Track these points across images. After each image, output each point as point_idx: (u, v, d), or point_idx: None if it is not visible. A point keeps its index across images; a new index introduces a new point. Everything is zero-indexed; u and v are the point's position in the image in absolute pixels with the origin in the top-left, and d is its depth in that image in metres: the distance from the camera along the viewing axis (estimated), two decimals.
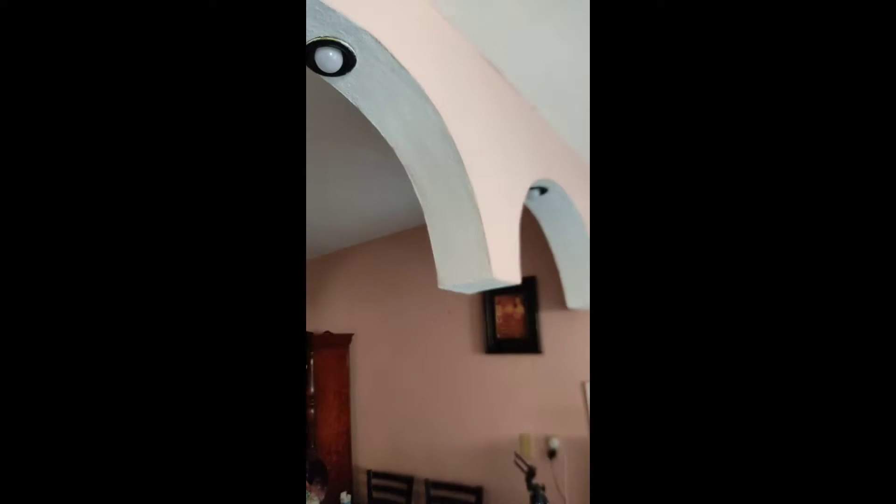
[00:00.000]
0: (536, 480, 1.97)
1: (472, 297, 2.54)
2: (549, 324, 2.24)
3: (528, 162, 1.29)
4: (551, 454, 2.09)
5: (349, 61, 0.83)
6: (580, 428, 2.06)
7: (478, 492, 2.24)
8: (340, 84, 0.91)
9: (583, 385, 2.08)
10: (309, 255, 3.50)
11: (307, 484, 1.87)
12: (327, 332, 3.06)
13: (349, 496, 2.37)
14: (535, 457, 2.15)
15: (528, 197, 1.54)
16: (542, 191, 1.53)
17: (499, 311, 2.41)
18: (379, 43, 0.79)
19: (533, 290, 2.28)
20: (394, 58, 0.82)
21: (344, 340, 3.07)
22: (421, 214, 2.53)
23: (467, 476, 2.39)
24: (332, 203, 2.33)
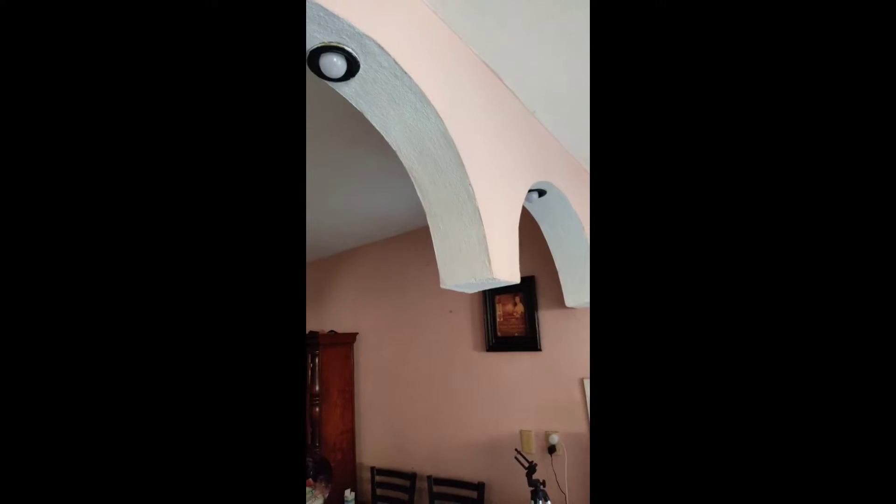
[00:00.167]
0: (537, 476, 2.00)
1: (473, 296, 2.57)
2: (548, 322, 2.26)
3: (527, 165, 1.31)
4: (551, 450, 2.11)
5: (353, 67, 0.85)
6: (579, 424, 2.08)
7: (480, 488, 2.26)
8: (344, 89, 0.93)
9: (581, 381, 2.10)
10: (314, 256, 3.52)
11: (312, 481, 1.90)
12: (332, 331, 3.08)
13: (353, 493, 2.40)
14: (535, 452, 2.18)
15: (527, 199, 1.56)
16: (541, 193, 1.55)
17: (499, 310, 2.43)
18: (382, 49, 0.81)
19: (532, 290, 2.31)
20: (396, 63, 0.85)
21: (348, 339, 3.09)
22: (423, 216, 2.56)
23: (469, 472, 2.41)
24: (336, 205, 2.35)
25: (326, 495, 1.93)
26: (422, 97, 0.91)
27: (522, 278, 2.27)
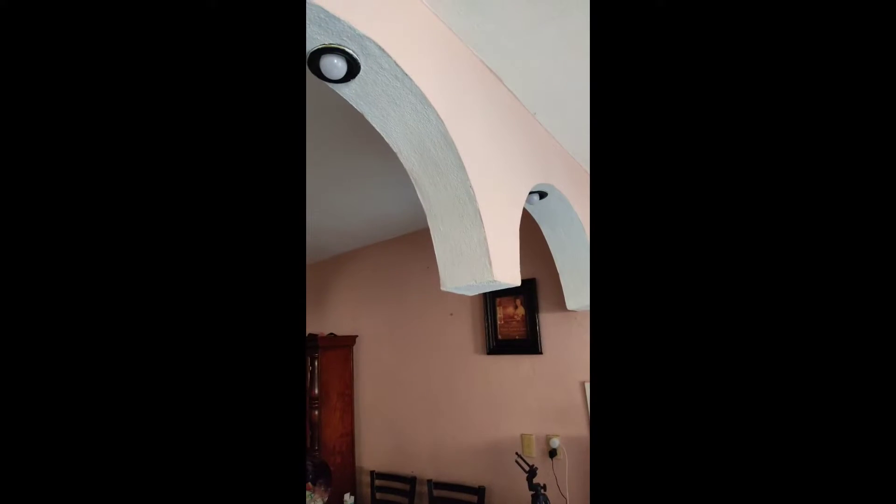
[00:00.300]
0: (537, 480, 1.99)
1: (474, 298, 2.56)
2: (549, 325, 2.25)
3: (527, 166, 1.31)
4: (552, 454, 2.10)
5: (353, 69, 0.85)
6: (580, 427, 2.07)
7: (480, 492, 2.25)
8: (345, 91, 0.93)
9: (582, 385, 2.09)
10: (314, 258, 3.52)
11: (311, 485, 1.89)
12: (332, 333, 3.08)
13: (352, 497, 2.39)
14: (536, 456, 2.17)
15: (528, 201, 1.56)
16: (542, 195, 1.55)
17: (500, 313, 2.43)
18: (383, 50, 0.81)
19: (533, 292, 2.30)
20: (397, 65, 0.85)
21: (348, 342, 3.08)
22: (424, 218, 2.56)
23: (469, 476, 2.40)
24: (336, 206, 2.35)
25: (326, 499, 1.92)
26: (422, 98, 0.91)
27: (523, 281, 2.26)
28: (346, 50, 0.81)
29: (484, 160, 1.08)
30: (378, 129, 1.02)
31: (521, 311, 2.35)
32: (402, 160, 1.07)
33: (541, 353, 2.25)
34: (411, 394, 2.77)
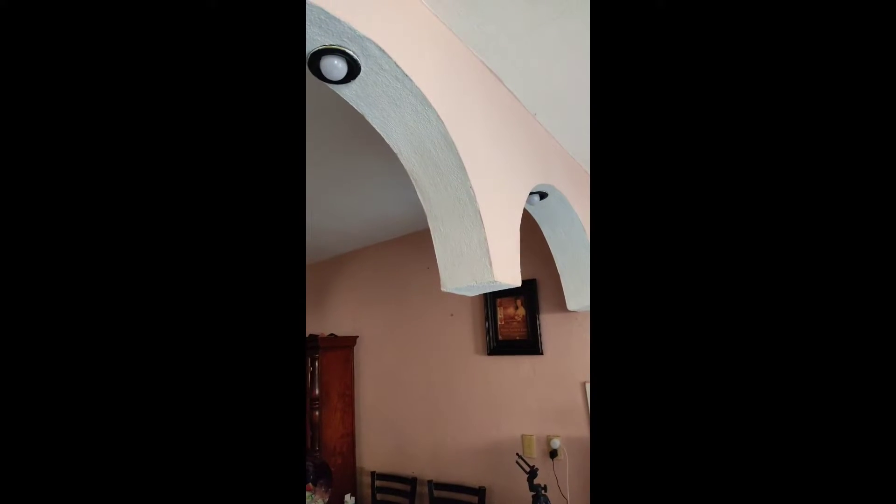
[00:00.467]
0: (538, 480, 1.99)
1: (474, 299, 2.56)
2: (550, 325, 2.25)
3: (527, 167, 1.31)
4: (552, 454, 2.10)
5: (354, 70, 0.85)
6: (581, 428, 2.07)
7: (480, 492, 2.25)
8: (345, 92, 0.93)
9: (583, 385, 2.09)
10: (314, 258, 3.52)
11: (311, 486, 1.89)
12: (332, 334, 3.08)
13: (353, 498, 2.38)
14: (536, 457, 2.17)
15: (528, 201, 1.56)
16: (542, 195, 1.55)
17: (500, 314, 2.43)
18: (383, 51, 0.82)
19: (533, 293, 2.30)
20: (397, 66, 0.85)
21: (348, 343, 3.08)
22: (424, 219, 2.56)
23: (470, 477, 2.40)
24: (337, 207, 2.35)
25: (326, 500, 1.92)
26: (423, 99, 0.91)
27: (524, 281, 2.26)
28: (347, 51, 0.81)
29: (484, 161, 1.08)
30: (378, 130, 1.02)
31: (521, 311, 2.35)
32: (402, 161, 1.07)
33: (541, 353, 2.25)
34: (412, 394, 2.77)
